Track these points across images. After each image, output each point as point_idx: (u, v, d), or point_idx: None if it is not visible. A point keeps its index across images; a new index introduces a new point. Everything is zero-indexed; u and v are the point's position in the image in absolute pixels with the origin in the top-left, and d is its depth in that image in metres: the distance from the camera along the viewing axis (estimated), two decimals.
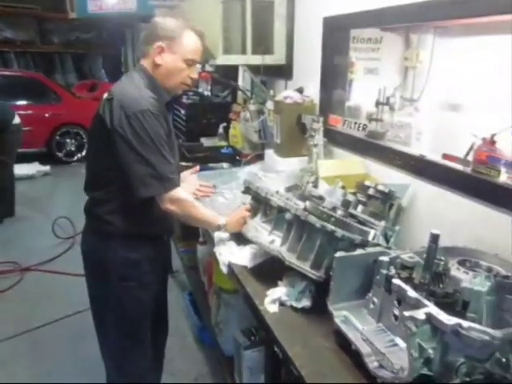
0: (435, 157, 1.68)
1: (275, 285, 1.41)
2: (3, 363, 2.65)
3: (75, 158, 7.44)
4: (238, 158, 2.94)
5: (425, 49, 2.02)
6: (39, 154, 7.15)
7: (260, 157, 2.77)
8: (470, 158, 1.53)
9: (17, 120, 4.76)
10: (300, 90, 2.50)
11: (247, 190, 1.61)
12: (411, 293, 0.99)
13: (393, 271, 1.13)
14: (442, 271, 1.12)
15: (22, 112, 5.66)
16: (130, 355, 1.72)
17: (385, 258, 1.15)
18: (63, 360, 2.67)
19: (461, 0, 1.47)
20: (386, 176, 1.89)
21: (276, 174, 2.34)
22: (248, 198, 1.66)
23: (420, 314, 0.89)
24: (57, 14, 9.20)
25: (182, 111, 3.55)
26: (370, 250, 1.24)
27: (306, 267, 1.32)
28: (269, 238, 1.45)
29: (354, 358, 1.08)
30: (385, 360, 0.99)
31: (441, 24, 1.86)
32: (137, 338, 1.72)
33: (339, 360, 1.12)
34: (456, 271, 1.15)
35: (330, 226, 1.28)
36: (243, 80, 3.45)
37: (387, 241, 1.47)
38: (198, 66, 1.66)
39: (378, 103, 2.04)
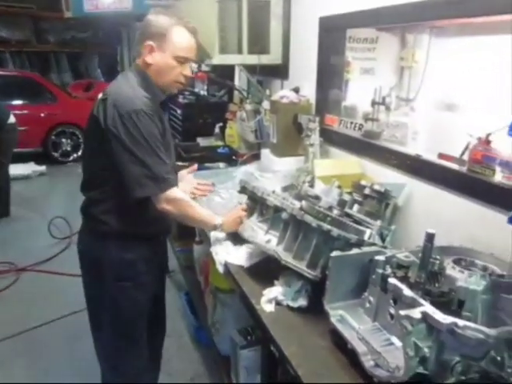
0: (431, 156, 1.68)
1: (271, 284, 1.41)
2: (0, 363, 2.64)
3: (71, 157, 7.41)
4: (234, 157, 2.94)
5: (421, 49, 2.02)
6: (35, 153, 7.12)
7: (256, 156, 2.77)
8: (466, 157, 1.53)
9: (12, 119, 4.74)
10: (296, 90, 2.50)
11: (243, 190, 1.62)
12: (407, 292, 0.99)
13: (389, 270, 1.13)
14: (437, 270, 1.12)
15: (17, 112, 5.63)
16: (124, 355, 1.71)
17: (381, 258, 1.16)
18: (60, 360, 2.66)
19: (456, 0, 1.48)
20: (381, 175, 1.90)
21: (272, 173, 2.34)
22: (244, 198, 1.67)
23: (416, 313, 0.89)
24: (52, 13, 9.14)
25: (179, 111, 3.55)
26: (365, 249, 1.24)
27: (302, 266, 1.32)
28: (265, 237, 1.45)
29: (350, 357, 1.08)
30: (381, 359, 0.99)
31: (436, 24, 1.87)
32: (132, 338, 1.71)
33: (335, 359, 1.12)
34: (451, 270, 1.15)
35: (326, 226, 1.28)
36: (239, 80, 3.45)
37: (383, 240, 1.47)
38: (194, 63, 1.64)
39: (373, 103, 2.04)
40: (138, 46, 1.58)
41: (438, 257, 1.14)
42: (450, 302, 1.07)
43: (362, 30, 2.20)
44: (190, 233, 2.94)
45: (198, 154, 2.97)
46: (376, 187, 1.64)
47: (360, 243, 1.29)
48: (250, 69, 2.91)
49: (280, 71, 2.86)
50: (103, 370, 1.78)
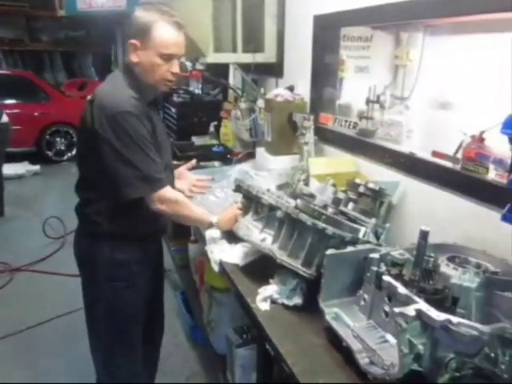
0: (425, 154, 1.69)
1: (267, 283, 1.41)
2: None
3: (65, 157, 7.38)
4: (229, 156, 2.94)
5: (415, 47, 2.03)
6: (29, 153, 7.08)
7: (251, 155, 2.77)
8: (460, 155, 1.54)
9: (4, 119, 4.71)
10: (291, 88, 2.50)
11: (238, 189, 1.62)
12: (401, 289, 1.00)
13: (383, 268, 1.13)
14: (431, 268, 1.13)
15: (10, 111, 5.60)
16: (118, 357, 1.70)
17: (375, 255, 1.16)
18: (54, 360, 2.65)
19: None
20: (376, 174, 1.90)
21: (267, 172, 2.34)
22: (239, 197, 1.66)
23: (410, 311, 0.90)
24: (45, 11, 9.09)
25: (173, 110, 3.54)
26: (360, 247, 1.25)
27: (297, 265, 1.32)
28: (260, 236, 1.45)
29: (345, 354, 1.09)
30: (375, 356, 0.99)
31: (431, 22, 1.87)
32: (126, 339, 1.70)
33: (330, 357, 1.13)
34: (445, 268, 1.16)
35: (321, 224, 1.28)
36: (234, 78, 3.45)
37: (378, 238, 1.48)
38: (182, 59, 1.62)
39: (368, 101, 2.05)
40: (126, 44, 1.55)
41: (432, 254, 1.14)
42: (444, 299, 1.08)
43: (357, 29, 2.20)
44: (185, 232, 2.94)
45: (192, 153, 2.96)
46: (370, 185, 1.64)
47: (355, 241, 1.29)
48: (245, 67, 2.91)
49: (274, 70, 2.85)
50: (97, 370, 1.77)
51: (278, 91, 2.45)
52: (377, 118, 2.06)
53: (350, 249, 1.23)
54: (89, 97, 1.53)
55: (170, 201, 1.54)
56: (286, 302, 1.34)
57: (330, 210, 1.48)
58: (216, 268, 1.62)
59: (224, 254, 1.63)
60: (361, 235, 1.39)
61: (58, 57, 10.67)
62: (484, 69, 1.66)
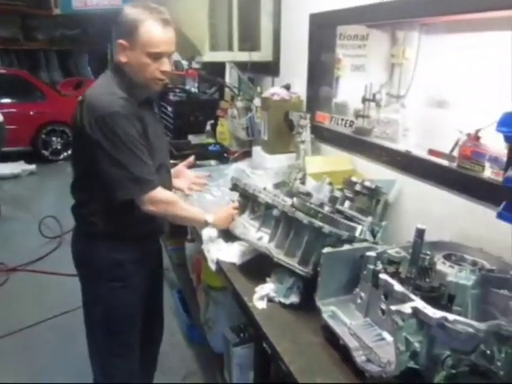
0: (421, 153, 1.69)
1: (263, 281, 1.41)
2: None
3: (61, 156, 7.36)
4: (225, 155, 2.94)
5: (411, 46, 2.03)
6: (25, 152, 7.06)
7: (248, 154, 2.77)
8: (456, 153, 1.54)
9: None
10: (287, 87, 2.50)
11: (235, 187, 1.61)
12: (398, 287, 1.00)
13: (380, 266, 1.14)
14: (427, 266, 1.13)
15: (6, 110, 5.58)
16: (115, 357, 1.69)
17: (372, 254, 1.16)
18: (51, 360, 2.65)
19: None
20: (372, 172, 1.90)
21: (264, 170, 2.34)
22: (236, 195, 1.66)
23: (406, 308, 0.90)
24: (41, 10, 9.05)
25: (169, 108, 3.53)
26: (357, 245, 1.25)
27: (293, 263, 1.32)
28: (257, 234, 1.45)
29: (342, 352, 1.09)
30: (372, 354, 1.00)
31: (426, 21, 1.88)
32: (122, 339, 1.69)
33: (327, 355, 1.13)
34: (442, 265, 1.16)
35: (318, 222, 1.28)
36: (230, 77, 3.44)
37: (374, 236, 1.48)
38: (177, 57, 1.59)
39: (364, 100, 2.05)
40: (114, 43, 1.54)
41: (428, 252, 1.14)
42: (440, 296, 1.08)
43: (353, 27, 2.20)
44: (182, 231, 2.94)
45: (189, 152, 2.95)
46: (367, 184, 1.64)
47: (351, 239, 1.29)
48: (241, 66, 2.91)
49: (271, 68, 2.85)
50: (94, 370, 1.76)
51: (274, 90, 2.45)
52: (373, 116, 2.06)
53: (346, 247, 1.23)
54: (80, 97, 1.52)
55: (162, 202, 1.52)
56: (282, 300, 1.34)
57: (327, 209, 1.48)
58: (213, 267, 1.62)
59: (221, 252, 1.63)
60: (357, 233, 1.40)
61: (54, 56, 10.64)
62: (480, 67, 1.66)
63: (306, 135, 2.19)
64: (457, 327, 0.87)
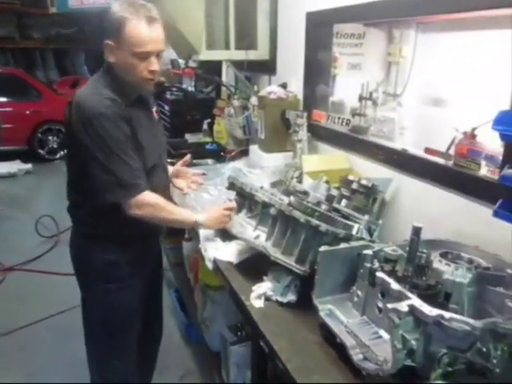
0: (418, 151, 1.69)
1: (261, 280, 1.41)
2: None
3: (58, 155, 7.34)
4: (222, 153, 2.93)
5: (407, 44, 2.04)
6: (21, 151, 7.04)
7: (245, 152, 2.76)
8: (452, 151, 1.55)
9: None
10: (284, 86, 2.50)
11: (232, 186, 1.61)
12: (394, 285, 1.00)
13: (376, 264, 1.14)
14: (424, 264, 1.13)
15: (2, 109, 5.56)
16: (111, 358, 1.68)
17: (368, 252, 1.17)
18: (48, 359, 2.64)
19: None
20: (369, 170, 1.90)
21: (261, 169, 2.34)
22: (233, 194, 1.66)
23: (403, 306, 0.90)
24: (37, 9, 9.02)
25: (166, 107, 3.53)
26: (353, 243, 1.25)
27: (290, 262, 1.33)
28: (254, 233, 1.45)
29: (339, 350, 1.09)
30: (369, 352, 1.00)
31: (423, 20, 1.88)
32: (119, 341, 1.68)
33: (324, 353, 1.13)
34: (438, 263, 1.16)
35: (315, 221, 1.28)
36: (227, 75, 3.44)
37: (371, 234, 1.48)
38: (158, 56, 1.46)
39: (361, 98, 2.05)
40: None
41: (424, 250, 1.15)
42: (436, 294, 1.08)
43: (349, 26, 2.20)
44: (180, 230, 2.93)
45: (186, 151, 2.95)
46: (363, 182, 1.64)
47: (348, 238, 1.29)
48: (238, 64, 2.90)
49: (267, 67, 2.85)
50: (91, 371, 1.75)
51: (271, 88, 2.44)
52: (370, 114, 2.06)
53: (343, 245, 1.24)
54: (70, 98, 1.51)
55: (148, 205, 1.48)
56: (280, 299, 1.34)
57: (324, 207, 1.48)
58: (210, 266, 1.62)
59: (218, 251, 1.63)
60: (354, 232, 1.40)
61: (50, 54, 10.61)
62: (476, 65, 1.67)
63: (303, 134, 2.18)
64: (453, 325, 0.87)
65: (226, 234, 1.64)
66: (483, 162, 1.42)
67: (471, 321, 0.88)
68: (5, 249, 4.05)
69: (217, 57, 2.85)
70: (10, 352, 2.72)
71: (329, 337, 1.14)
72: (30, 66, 9.92)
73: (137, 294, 1.67)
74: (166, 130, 3.43)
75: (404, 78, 2.07)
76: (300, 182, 1.82)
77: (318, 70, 2.36)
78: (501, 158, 1.33)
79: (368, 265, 1.14)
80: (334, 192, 1.67)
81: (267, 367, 1.62)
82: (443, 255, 1.21)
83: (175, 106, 3.46)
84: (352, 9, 1.92)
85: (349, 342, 1.05)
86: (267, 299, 1.35)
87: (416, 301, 0.92)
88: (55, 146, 7.34)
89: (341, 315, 1.15)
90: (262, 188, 1.54)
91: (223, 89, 3.44)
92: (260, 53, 2.83)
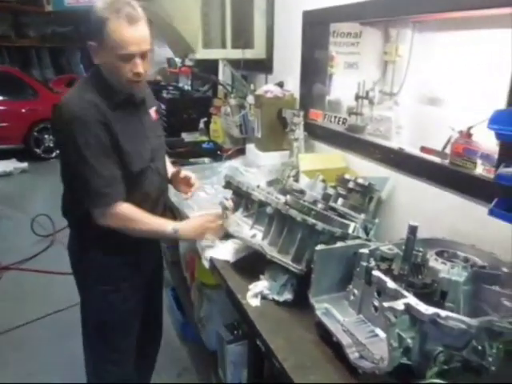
0: (414, 150, 1.70)
1: (257, 279, 1.41)
2: None
3: (53, 154, 7.30)
4: (219, 152, 2.93)
5: (404, 43, 2.04)
6: (16, 150, 7.01)
7: (241, 151, 2.76)
8: (448, 150, 1.55)
9: None
10: (280, 85, 2.50)
11: (228, 185, 1.61)
12: (390, 284, 1.00)
13: (373, 263, 1.14)
14: (420, 262, 1.14)
15: None
16: (107, 361, 1.67)
17: (365, 251, 1.17)
18: (44, 359, 2.63)
19: None
20: (365, 169, 1.91)
21: (257, 168, 2.34)
22: (229, 193, 1.66)
23: (399, 305, 0.90)
24: (32, 7, 8.98)
25: (162, 106, 3.51)
26: (350, 242, 1.25)
27: (287, 261, 1.33)
28: (250, 232, 1.45)
29: (336, 349, 1.09)
30: (365, 351, 1.00)
31: (419, 18, 1.88)
32: (114, 344, 1.66)
33: (321, 352, 1.13)
34: (434, 262, 1.17)
35: (311, 220, 1.28)
36: (223, 74, 3.43)
37: (367, 233, 1.49)
38: (142, 57, 1.39)
39: (357, 97, 2.05)
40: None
41: (420, 249, 1.15)
42: (432, 293, 1.09)
43: (346, 25, 2.20)
44: None
45: (182, 150, 2.95)
46: (360, 181, 1.65)
47: (344, 237, 1.29)
48: (234, 63, 2.90)
49: (264, 66, 2.85)
50: (88, 372, 1.73)
51: (267, 87, 2.44)
52: (366, 113, 2.07)
53: (339, 244, 1.24)
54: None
55: (118, 217, 1.44)
56: (276, 297, 1.34)
57: (320, 206, 1.48)
58: (207, 264, 1.62)
59: (214, 250, 1.63)
60: (350, 231, 1.40)
61: (46, 53, 10.58)
62: (472, 65, 1.67)
63: (300, 133, 2.19)
64: (449, 323, 0.87)
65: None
66: (479, 161, 1.43)
67: (467, 319, 0.88)
68: (1, 248, 4.03)
69: (213, 55, 2.84)
70: (6, 351, 2.71)
71: (325, 335, 1.14)
72: (26, 65, 9.88)
73: (134, 297, 1.66)
74: (163, 129, 3.42)
75: (400, 77, 2.07)
76: (296, 180, 1.82)
77: (314, 69, 2.37)
78: (496, 156, 1.33)
79: (364, 263, 1.14)
80: (331, 191, 1.67)
81: (264, 366, 1.62)
82: (439, 254, 1.22)
83: (171, 105, 3.45)
84: (348, 8, 1.92)
85: (345, 340, 1.05)
86: (264, 298, 1.35)
87: (412, 299, 0.92)
88: (51, 144, 7.31)
89: (337, 314, 1.15)
90: (258, 187, 1.54)
91: (220, 87, 3.43)
92: (257, 51, 2.83)
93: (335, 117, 2.22)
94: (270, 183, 1.88)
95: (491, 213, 1.14)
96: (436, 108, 1.92)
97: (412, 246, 1.09)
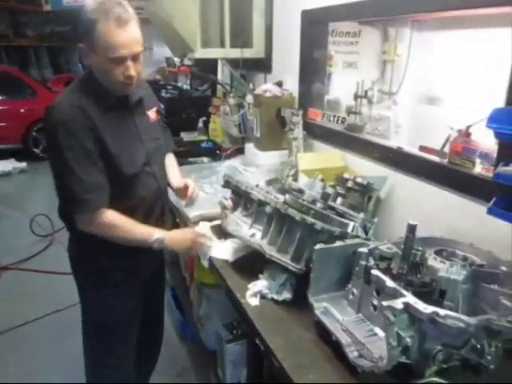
0: (413, 149, 1.70)
1: (256, 278, 1.41)
2: None
3: None
4: (218, 152, 2.93)
5: (402, 42, 2.04)
6: (15, 150, 6.99)
7: (240, 151, 2.76)
8: (447, 149, 1.55)
9: None
10: (279, 84, 2.50)
11: (227, 184, 1.61)
12: (389, 283, 1.00)
13: (372, 262, 1.14)
14: (419, 261, 1.14)
15: None
16: (104, 364, 1.66)
17: (364, 250, 1.17)
18: (43, 359, 2.63)
19: None
20: (364, 168, 1.91)
21: (256, 167, 2.34)
22: (228, 193, 1.66)
23: (398, 304, 0.91)
24: (31, 6, 8.97)
25: (161, 106, 3.52)
26: (349, 241, 1.25)
27: (286, 260, 1.33)
28: (249, 231, 1.45)
29: (335, 348, 1.09)
30: (364, 350, 1.00)
31: (418, 18, 1.88)
32: (112, 347, 1.65)
33: (320, 351, 1.13)
34: (433, 261, 1.17)
35: (310, 219, 1.28)
36: (222, 74, 3.44)
37: (366, 232, 1.49)
38: (133, 59, 1.35)
39: (356, 96, 2.06)
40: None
41: (419, 248, 1.15)
42: (431, 292, 1.09)
43: (345, 24, 2.20)
44: (176, 228, 2.93)
45: (181, 149, 2.95)
46: (359, 180, 1.65)
47: (343, 236, 1.29)
48: (233, 62, 2.90)
49: (263, 65, 2.85)
50: (87, 373, 1.73)
51: (266, 86, 2.44)
52: (365, 113, 2.07)
53: (338, 243, 1.24)
54: None
55: (100, 224, 1.41)
56: (275, 297, 1.35)
57: (319, 205, 1.48)
58: (206, 264, 1.62)
59: (214, 249, 1.63)
60: (349, 230, 1.40)
61: (45, 52, 10.56)
62: (471, 64, 1.67)
63: (299, 132, 2.19)
64: (448, 322, 0.87)
65: (221, 232, 1.64)
66: (478, 160, 1.43)
67: (466, 318, 0.88)
68: (0, 248, 4.04)
69: (212, 55, 2.84)
70: (5, 351, 2.71)
71: (324, 335, 1.14)
72: (24, 64, 9.86)
73: (134, 299, 1.65)
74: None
75: (399, 77, 2.07)
76: (295, 180, 1.82)
77: (313, 68, 2.37)
78: (495, 155, 1.34)
79: (363, 262, 1.14)
80: (330, 190, 1.67)
81: (263, 365, 1.63)
82: (438, 253, 1.22)
83: (170, 105, 3.46)
84: (347, 7, 1.92)
85: (344, 339, 1.05)
86: (263, 297, 1.35)
87: (411, 298, 0.92)
88: None
89: (336, 313, 1.15)
90: (257, 186, 1.54)
91: (219, 87, 3.43)
92: (255, 51, 2.83)
93: (334, 116, 2.22)
94: (269, 182, 1.88)
95: (490, 212, 1.14)
96: (435, 107, 1.92)
97: (411, 245, 1.09)
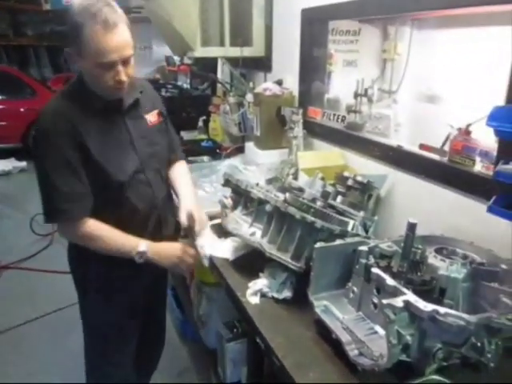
0: (413, 147, 1.70)
1: (256, 277, 1.41)
2: None
3: None
4: (218, 151, 2.93)
5: (402, 41, 2.04)
6: (15, 149, 6.98)
7: (240, 149, 2.76)
8: (447, 148, 1.55)
9: None
10: (279, 82, 2.50)
11: (227, 183, 1.61)
12: (390, 281, 1.00)
13: (372, 260, 1.14)
14: (419, 259, 1.14)
15: None
16: (103, 366, 1.67)
17: (364, 248, 1.17)
18: (43, 358, 2.63)
19: None
20: (364, 167, 1.91)
21: (256, 166, 2.34)
22: (228, 191, 1.66)
23: (398, 302, 0.91)
24: (30, 5, 8.96)
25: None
26: (349, 240, 1.25)
27: (286, 258, 1.33)
28: (249, 230, 1.45)
29: (335, 346, 1.09)
30: (365, 348, 1.00)
31: (418, 16, 1.88)
32: (110, 352, 1.65)
33: (320, 349, 1.13)
34: (433, 259, 1.17)
35: (310, 217, 1.28)
36: (222, 72, 3.43)
37: (366, 231, 1.49)
38: (123, 63, 1.30)
39: (356, 95, 2.05)
40: None
41: (419, 246, 1.15)
42: (431, 290, 1.09)
43: (345, 22, 2.20)
44: (175, 227, 2.93)
45: (181, 148, 2.95)
46: (359, 178, 1.65)
47: (343, 234, 1.30)
48: (233, 61, 2.89)
49: (263, 64, 2.84)
50: (87, 373, 1.72)
51: (266, 85, 2.44)
52: (365, 111, 2.06)
53: (338, 242, 1.23)
54: None
55: (79, 235, 1.39)
56: (275, 295, 1.35)
57: (319, 204, 1.48)
58: (206, 263, 1.62)
59: (214, 248, 1.63)
60: (349, 228, 1.40)
61: (44, 52, 10.54)
62: (471, 62, 1.67)
63: (299, 130, 2.19)
64: (448, 320, 0.88)
65: (221, 231, 1.64)
66: (478, 158, 1.43)
67: (466, 316, 0.88)
68: (0, 247, 4.03)
69: (212, 54, 2.84)
70: (5, 351, 2.71)
71: (324, 333, 1.14)
72: (24, 64, 9.86)
73: (133, 305, 1.64)
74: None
75: (399, 75, 2.07)
76: (295, 178, 1.82)
77: (313, 67, 2.36)
78: (495, 153, 1.34)
79: (363, 261, 1.14)
80: (330, 188, 1.67)
81: (263, 364, 1.63)
82: (438, 251, 1.22)
83: (170, 104, 3.44)
84: (347, 5, 1.92)
85: (344, 337, 1.05)
86: (263, 296, 1.35)
87: (411, 296, 0.93)
88: None
89: (336, 311, 1.15)
90: (257, 185, 1.54)
91: (219, 86, 3.43)
92: (255, 49, 2.82)
93: (334, 114, 2.22)
94: (269, 181, 1.88)
95: (490, 210, 1.14)
96: (435, 105, 1.92)
97: (411, 243, 1.09)
